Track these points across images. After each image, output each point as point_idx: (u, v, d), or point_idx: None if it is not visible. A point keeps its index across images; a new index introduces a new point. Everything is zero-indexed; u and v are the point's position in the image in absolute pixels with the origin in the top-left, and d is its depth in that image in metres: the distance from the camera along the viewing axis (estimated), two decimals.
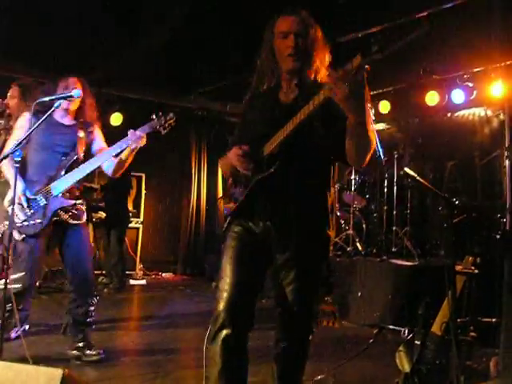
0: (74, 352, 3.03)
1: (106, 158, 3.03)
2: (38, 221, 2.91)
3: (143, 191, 6.77)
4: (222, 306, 1.78)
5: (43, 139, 2.96)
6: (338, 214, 5.61)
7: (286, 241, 1.89)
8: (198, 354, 3.37)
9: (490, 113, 5.79)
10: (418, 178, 2.38)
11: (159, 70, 5.79)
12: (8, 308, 2.78)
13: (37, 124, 2.51)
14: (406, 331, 3.90)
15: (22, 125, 2.98)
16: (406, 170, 2.42)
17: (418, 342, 2.53)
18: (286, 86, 1.99)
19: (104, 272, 5.95)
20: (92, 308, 3.05)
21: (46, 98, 2.69)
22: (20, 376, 1.56)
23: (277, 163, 1.82)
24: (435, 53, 4.97)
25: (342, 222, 5.58)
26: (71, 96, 2.63)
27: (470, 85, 5.52)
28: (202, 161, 7.47)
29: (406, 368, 2.53)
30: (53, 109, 2.57)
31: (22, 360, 2.39)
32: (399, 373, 2.62)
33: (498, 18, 4.20)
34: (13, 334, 3.31)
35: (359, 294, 4.35)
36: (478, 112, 5.91)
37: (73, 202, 3.02)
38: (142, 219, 6.72)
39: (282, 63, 1.95)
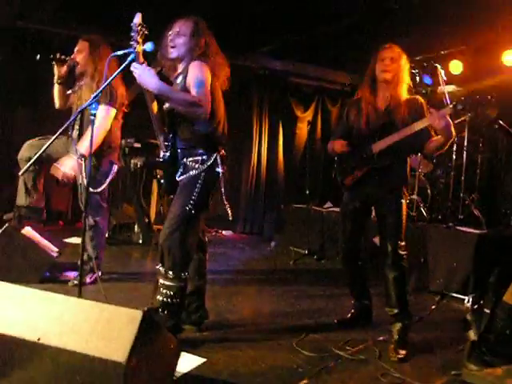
0: None
1: None
2: None
3: None
4: None
5: None
6: None
7: None
8: (258, 306, 3.53)
9: None
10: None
11: (220, 28, 5.70)
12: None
13: (113, 76, 2.55)
14: (471, 299, 3.81)
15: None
16: (499, 122, 2.29)
17: (487, 311, 2.47)
18: None
19: None
20: None
21: (120, 52, 2.70)
22: (104, 314, 1.66)
23: None
24: None
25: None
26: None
27: None
28: (264, 121, 7.40)
29: (473, 336, 2.48)
30: (127, 63, 2.59)
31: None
32: (462, 340, 2.58)
33: None
34: (88, 280, 3.55)
35: (422, 260, 4.25)
36: None
37: None
38: None
39: None
